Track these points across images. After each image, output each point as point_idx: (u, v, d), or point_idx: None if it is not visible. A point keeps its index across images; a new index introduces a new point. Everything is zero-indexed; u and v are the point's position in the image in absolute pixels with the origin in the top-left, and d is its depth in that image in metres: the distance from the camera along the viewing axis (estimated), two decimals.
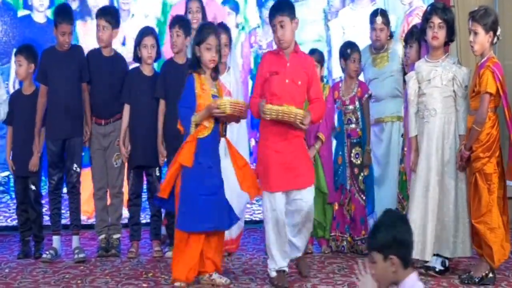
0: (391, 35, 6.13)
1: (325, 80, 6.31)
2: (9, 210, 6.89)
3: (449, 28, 5.07)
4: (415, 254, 4.99)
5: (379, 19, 5.97)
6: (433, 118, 5.07)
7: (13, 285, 4.95)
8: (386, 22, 6.02)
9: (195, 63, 4.93)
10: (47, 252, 5.60)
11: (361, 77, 6.12)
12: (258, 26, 7.40)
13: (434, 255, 5.08)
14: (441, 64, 5.07)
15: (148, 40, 5.73)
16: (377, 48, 6.07)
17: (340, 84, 6.00)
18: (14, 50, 6.29)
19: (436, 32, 5.04)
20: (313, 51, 5.99)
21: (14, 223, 6.43)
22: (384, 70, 6.03)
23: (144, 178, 5.92)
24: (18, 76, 5.93)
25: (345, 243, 5.88)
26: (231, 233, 5.55)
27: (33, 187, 5.80)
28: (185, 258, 4.79)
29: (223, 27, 5.67)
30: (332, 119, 5.91)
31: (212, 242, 4.88)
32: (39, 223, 5.85)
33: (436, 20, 5.04)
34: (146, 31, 5.81)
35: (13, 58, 6.28)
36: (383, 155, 6.00)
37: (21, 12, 7.08)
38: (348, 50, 5.91)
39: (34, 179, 5.79)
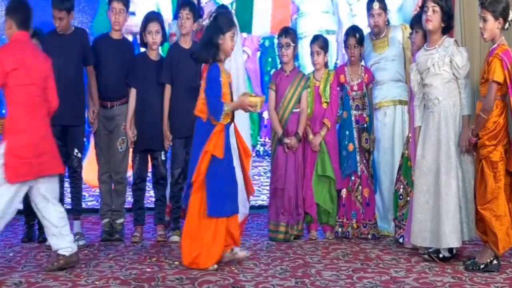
0: (388, 22, 6.11)
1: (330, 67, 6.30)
2: None
3: (445, 13, 5.03)
4: (430, 242, 4.99)
5: (376, 5, 5.96)
6: (437, 107, 5.04)
7: (17, 269, 4.95)
8: (384, 7, 6.02)
9: (215, 51, 4.95)
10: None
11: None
12: None
13: None
14: (437, 50, 5.04)
15: (153, 26, 5.70)
16: (376, 34, 6.05)
17: (345, 69, 5.98)
18: None
19: (430, 16, 5.01)
20: (317, 37, 5.97)
21: (19, 207, 6.42)
22: (385, 55, 6.03)
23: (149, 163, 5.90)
24: None
25: (350, 229, 5.88)
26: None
27: None
28: (217, 244, 4.93)
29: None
30: (338, 104, 5.89)
31: (231, 220, 5.02)
32: None
33: (430, 4, 5.02)
34: (150, 17, 5.78)
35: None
36: (387, 139, 5.98)
37: None
38: (345, 36, 5.96)
39: None
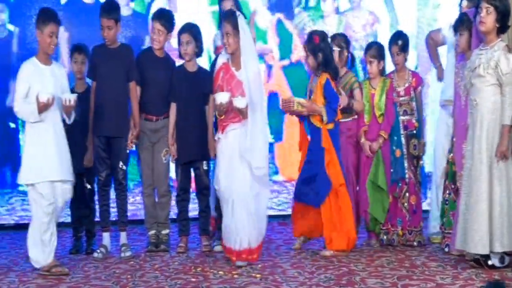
0: None
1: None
2: None
3: (500, 13, 4.91)
4: (472, 248, 4.91)
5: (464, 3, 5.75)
6: (475, 109, 4.98)
7: (65, 280, 5.03)
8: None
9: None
10: (98, 251, 5.67)
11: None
12: None
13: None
14: (487, 52, 4.96)
15: (184, 37, 5.77)
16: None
17: (392, 75, 5.95)
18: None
19: (483, 17, 4.92)
20: (370, 46, 5.97)
21: (64, 219, 6.54)
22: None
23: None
24: (76, 74, 6.00)
25: (395, 236, 5.83)
26: (250, 242, 5.32)
27: (88, 186, 5.90)
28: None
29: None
30: (394, 115, 5.85)
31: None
32: (91, 219, 5.96)
33: (484, 4, 4.92)
34: (182, 29, 5.84)
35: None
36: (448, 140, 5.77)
37: None
38: (389, 43, 5.95)
39: (89, 177, 5.88)
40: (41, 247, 5.13)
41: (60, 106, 5.19)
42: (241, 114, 5.26)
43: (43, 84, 5.13)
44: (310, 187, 5.64)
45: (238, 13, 5.44)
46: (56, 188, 5.13)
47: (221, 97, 5.28)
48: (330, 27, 7.33)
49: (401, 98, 5.88)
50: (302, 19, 7.46)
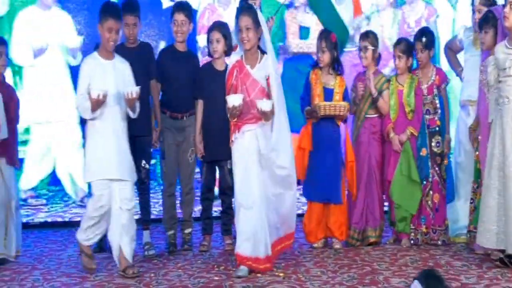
0: None
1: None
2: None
3: None
4: (496, 244, 4.86)
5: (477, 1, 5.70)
6: (506, 106, 4.93)
7: (89, 278, 5.07)
8: (484, 3, 5.67)
9: None
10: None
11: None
12: None
13: None
14: None
15: (214, 35, 5.75)
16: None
17: (416, 72, 5.90)
18: None
19: (507, 13, 4.87)
20: (399, 41, 5.95)
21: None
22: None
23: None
24: None
25: (419, 235, 5.78)
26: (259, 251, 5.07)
27: None
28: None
29: None
30: (422, 112, 5.81)
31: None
32: None
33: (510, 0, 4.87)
34: (212, 27, 5.84)
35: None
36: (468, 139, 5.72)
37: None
38: (413, 40, 5.90)
39: None
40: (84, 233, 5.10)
41: (121, 102, 5.07)
42: (265, 117, 5.02)
43: (104, 79, 5.04)
44: (330, 185, 5.69)
45: (256, 6, 5.37)
46: (114, 188, 5.02)
47: (234, 100, 5.02)
48: (386, 20, 7.25)
49: (423, 96, 5.82)
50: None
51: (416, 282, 2.88)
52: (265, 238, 4.99)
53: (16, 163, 5.77)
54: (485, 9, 5.55)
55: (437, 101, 5.81)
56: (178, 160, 5.88)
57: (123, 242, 5.02)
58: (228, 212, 5.89)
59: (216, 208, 6.14)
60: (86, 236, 5.12)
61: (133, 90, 5.04)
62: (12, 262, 5.52)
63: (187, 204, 5.94)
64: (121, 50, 5.71)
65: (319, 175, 5.73)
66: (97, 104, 4.93)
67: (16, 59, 7.09)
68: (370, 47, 5.79)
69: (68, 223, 6.89)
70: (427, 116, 5.82)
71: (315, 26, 7.34)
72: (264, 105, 4.98)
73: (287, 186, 5.15)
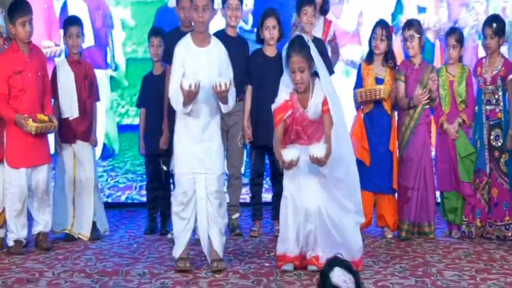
0: None
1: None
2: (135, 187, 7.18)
3: None
4: None
5: None
6: None
7: (141, 260, 5.11)
8: None
9: None
10: (172, 232, 5.71)
11: None
12: None
13: None
14: None
15: (270, 22, 5.71)
16: None
17: (484, 60, 5.76)
18: None
19: None
20: (453, 30, 5.83)
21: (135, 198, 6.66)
22: None
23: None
24: (154, 57, 6.05)
25: (473, 229, 5.68)
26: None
27: (164, 168, 5.94)
28: None
29: None
30: (475, 102, 5.70)
31: None
32: (167, 201, 5.96)
33: None
34: (267, 12, 5.79)
35: None
36: None
37: None
38: (483, 25, 5.76)
39: (165, 159, 5.91)
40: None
41: (213, 94, 4.65)
42: (318, 163, 4.55)
43: (196, 69, 4.66)
44: (384, 174, 5.65)
45: (306, 38, 4.83)
46: (199, 179, 4.74)
47: (291, 155, 4.57)
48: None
49: (485, 86, 5.68)
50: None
51: (337, 268, 2.75)
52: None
53: (92, 141, 5.82)
54: None
55: (500, 92, 5.63)
56: (225, 145, 5.88)
57: (212, 234, 4.76)
58: (280, 196, 5.86)
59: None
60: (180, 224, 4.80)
61: (222, 81, 4.55)
62: (74, 241, 5.63)
63: (235, 189, 5.93)
64: (177, 34, 5.66)
65: (371, 164, 5.68)
66: (190, 96, 4.49)
67: None
68: (416, 35, 5.67)
69: (119, 204, 6.96)
70: (487, 107, 5.67)
71: None
72: (316, 151, 4.54)
73: (345, 208, 4.71)
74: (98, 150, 6.79)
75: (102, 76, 7.02)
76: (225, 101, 4.66)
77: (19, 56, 5.29)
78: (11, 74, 5.24)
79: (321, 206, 4.66)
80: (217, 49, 4.79)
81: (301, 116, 4.75)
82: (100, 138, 6.90)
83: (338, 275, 2.69)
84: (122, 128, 7.22)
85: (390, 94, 5.66)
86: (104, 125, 7.12)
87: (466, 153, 5.66)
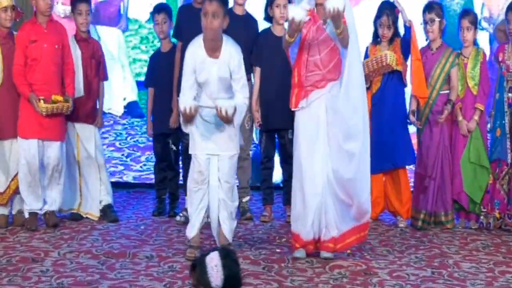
0: None
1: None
2: (143, 167, 7.03)
3: None
4: None
5: None
6: None
7: (149, 242, 5.00)
8: None
9: None
10: (181, 215, 5.58)
11: None
12: None
13: None
14: None
15: (282, 0, 5.54)
16: None
17: (506, 46, 5.57)
18: None
19: None
20: (467, 12, 5.64)
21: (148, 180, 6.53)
22: None
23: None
24: (160, 35, 5.89)
25: (492, 220, 5.52)
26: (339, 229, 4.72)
27: (173, 147, 5.82)
28: None
29: None
30: (489, 86, 5.52)
31: None
32: (175, 182, 5.87)
33: None
34: None
35: None
36: None
37: None
38: (506, 11, 5.53)
39: (174, 139, 5.79)
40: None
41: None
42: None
43: (207, 76, 4.60)
44: (397, 148, 5.51)
45: None
46: (213, 162, 4.65)
47: (296, 13, 4.36)
48: None
49: (508, 73, 5.49)
50: None
51: (215, 253, 2.72)
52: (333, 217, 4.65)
53: (97, 123, 5.69)
54: None
55: None
56: None
57: (221, 218, 4.66)
58: (291, 181, 5.72)
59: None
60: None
61: (223, 108, 4.39)
62: (80, 221, 5.54)
63: (244, 170, 5.78)
64: (188, 10, 5.61)
65: (384, 139, 5.50)
66: (187, 118, 4.49)
67: None
68: (437, 19, 5.49)
69: (127, 184, 6.83)
70: (510, 94, 5.46)
71: None
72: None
73: (358, 167, 4.60)
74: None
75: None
76: (230, 123, 4.53)
77: (37, 27, 5.35)
78: (27, 44, 5.28)
79: (329, 173, 4.62)
80: (229, 57, 4.63)
81: (319, 28, 4.60)
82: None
83: (212, 257, 2.72)
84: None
85: (398, 62, 5.45)
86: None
87: (477, 162, 5.47)
